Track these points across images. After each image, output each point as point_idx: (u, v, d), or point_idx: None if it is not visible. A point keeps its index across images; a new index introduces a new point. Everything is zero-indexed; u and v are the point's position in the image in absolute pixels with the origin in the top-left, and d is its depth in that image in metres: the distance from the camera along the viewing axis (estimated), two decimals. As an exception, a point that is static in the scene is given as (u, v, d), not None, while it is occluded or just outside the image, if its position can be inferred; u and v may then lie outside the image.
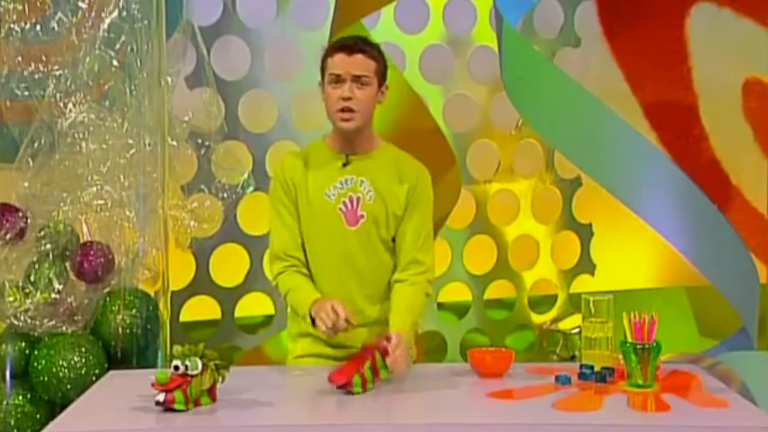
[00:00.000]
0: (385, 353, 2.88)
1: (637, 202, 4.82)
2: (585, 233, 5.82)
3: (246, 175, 4.82)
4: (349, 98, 3.04)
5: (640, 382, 2.86)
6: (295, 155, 3.27)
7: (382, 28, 5.48)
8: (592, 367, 2.98)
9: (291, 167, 3.19)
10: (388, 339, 2.91)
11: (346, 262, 3.16)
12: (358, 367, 2.84)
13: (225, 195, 4.75)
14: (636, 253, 5.55)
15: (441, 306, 5.66)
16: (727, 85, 5.51)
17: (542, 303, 5.87)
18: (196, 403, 2.68)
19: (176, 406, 2.64)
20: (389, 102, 5.25)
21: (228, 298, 5.41)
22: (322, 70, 3.13)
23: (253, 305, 5.52)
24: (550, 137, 5.12)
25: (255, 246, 5.40)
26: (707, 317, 5.30)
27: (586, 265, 5.85)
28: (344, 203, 3.13)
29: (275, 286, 3.25)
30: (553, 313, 5.85)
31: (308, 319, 3.05)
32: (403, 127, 5.13)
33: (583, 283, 5.82)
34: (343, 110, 3.05)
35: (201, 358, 2.69)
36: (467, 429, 2.67)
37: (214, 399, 2.73)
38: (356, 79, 3.05)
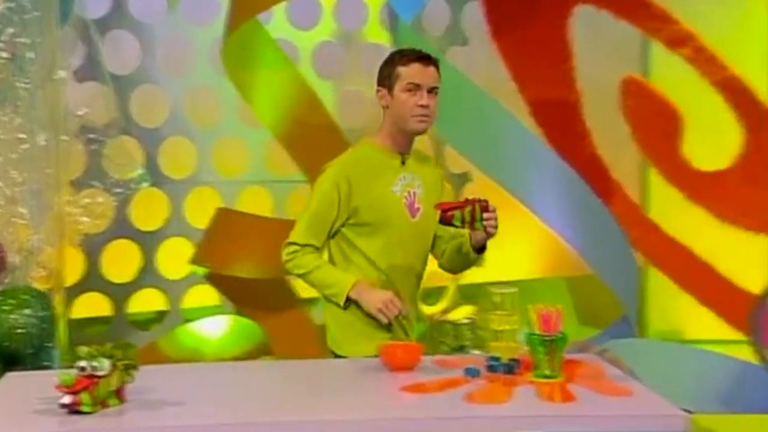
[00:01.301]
0: (484, 209, 3.11)
1: (527, 195, 4.85)
2: (473, 227, 5.80)
3: (139, 171, 4.67)
4: (426, 106, 3.22)
5: (547, 372, 2.83)
6: (348, 158, 3.37)
7: (275, 24, 5.39)
8: (499, 359, 2.94)
9: (346, 169, 3.29)
10: (486, 201, 3.13)
11: (407, 250, 3.35)
12: (462, 207, 3.09)
13: (118, 190, 4.60)
14: (522, 245, 5.57)
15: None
16: (607, 84, 5.59)
17: (432, 295, 5.84)
18: (104, 405, 2.53)
19: (83, 408, 2.48)
20: (284, 97, 5.21)
21: (120, 294, 5.25)
22: (390, 76, 3.26)
23: (146, 301, 5.37)
24: (444, 133, 5.10)
25: (148, 242, 5.24)
26: (588, 307, 5.36)
27: (474, 257, 5.83)
28: (406, 197, 3.32)
29: (287, 267, 3.33)
30: (442, 304, 5.83)
31: (342, 298, 3.22)
32: (298, 122, 5.06)
33: (471, 275, 5.80)
34: (420, 116, 3.22)
35: (110, 358, 2.54)
36: (383, 424, 2.58)
37: (122, 400, 2.59)
38: (431, 89, 3.23)
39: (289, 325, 5.15)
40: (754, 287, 5.26)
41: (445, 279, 5.81)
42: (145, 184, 4.74)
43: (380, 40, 5.69)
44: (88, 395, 2.49)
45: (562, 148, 5.23)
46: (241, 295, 5.19)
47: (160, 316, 5.40)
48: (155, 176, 5.09)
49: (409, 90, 3.23)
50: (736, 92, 5.55)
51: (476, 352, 5.00)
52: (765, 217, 5.44)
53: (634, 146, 5.67)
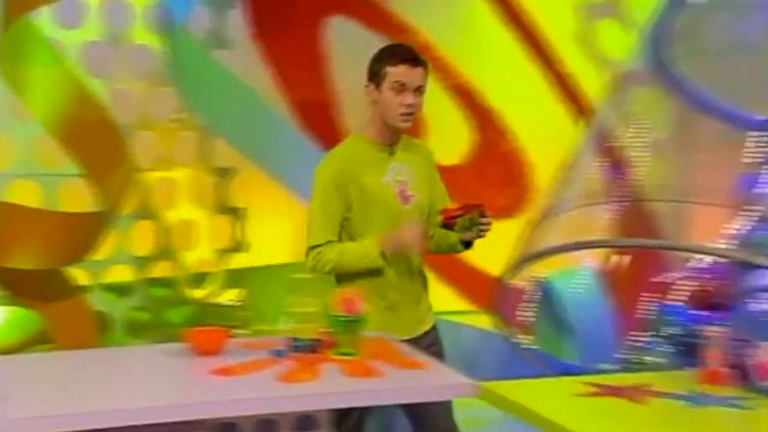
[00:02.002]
0: (482, 214, 3.08)
1: (297, 186, 4.82)
2: (240, 216, 5.69)
3: None
4: (412, 105, 3.12)
5: (348, 350, 2.82)
6: (338, 153, 3.26)
7: (44, 22, 5.01)
8: (302, 340, 2.88)
9: (337, 163, 3.20)
10: (483, 206, 3.11)
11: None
12: (464, 213, 3.05)
13: None
14: (289, 231, 5.52)
15: (106, 287, 5.29)
16: (359, 87, 5.61)
17: (201, 280, 5.68)
18: None
19: None
20: (57, 94, 4.86)
21: None
22: (378, 73, 3.17)
23: None
24: (218, 128, 4.97)
25: None
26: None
27: (239, 243, 5.72)
28: (397, 186, 3.21)
29: (316, 271, 3.19)
30: (210, 288, 5.68)
31: (379, 260, 3.10)
32: (71, 117, 4.75)
33: (237, 260, 5.70)
34: (405, 114, 3.12)
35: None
36: (199, 408, 2.47)
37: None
38: (417, 88, 3.13)
39: (67, 313, 4.83)
40: (494, 269, 5.52)
41: (212, 265, 5.71)
42: None
43: (147, 42, 5.43)
44: None
45: (323, 143, 5.21)
46: (17, 285, 4.81)
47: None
48: None
49: (395, 89, 3.12)
50: (466, 96, 5.77)
51: (243, 332, 4.96)
52: (493, 206, 5.69)
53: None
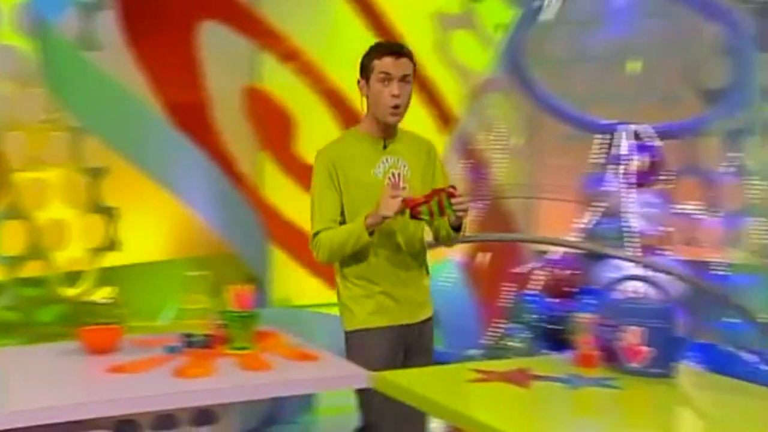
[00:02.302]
0: (451, 195, 2.92)
1: (173, 184, 4.71)
2: (112, 215, 5.50)
3: None
4: (398, 95, 3.05)
5: (242, 345, 2.78)
6: (332, 145, 3.19)
7: None
8: (194, 335, 2.82)
9: (330, 154, 3.14)
10: (454, 188, 2.96)
11: (396, 225, 3.09)
12: (428, 200, 2.90)
13: None
14: (162, 229, 5.38)
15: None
16: (231, 90, 5.55)
17: (74, 279, 5.45)
18: None
19: None
20: None
21: None
22: (366, 68, 3.11)
23: None
24: (91, 127, 4.79)
25: None
26: (226, 281, 5.32)
27: (112, 242, 5.53)
28: (389, 178, 3.12)
29: (320, 259, 3.10)
30: (83, 287, 5.46)
31: (365, 235, 2.98)
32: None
33: (110, 259, 5.51)
34: (392, 107, 3.06)
35: None
36: (98, 406, 2.37)
37: None
38: (402, 78, 3.06)
39: None
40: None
41: (84, 264, 5.50)
42: None
43: (16, 42, 5.18)
44: None
45: (198, 143, 5.11)
46: None
47: None
48: None
49: (382, 80, 3.06)
50: (335, 100, 5.78)
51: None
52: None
53: (256, 144, 5.71)
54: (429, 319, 3.23)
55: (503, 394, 2.38)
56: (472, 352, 4.45)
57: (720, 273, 4.57)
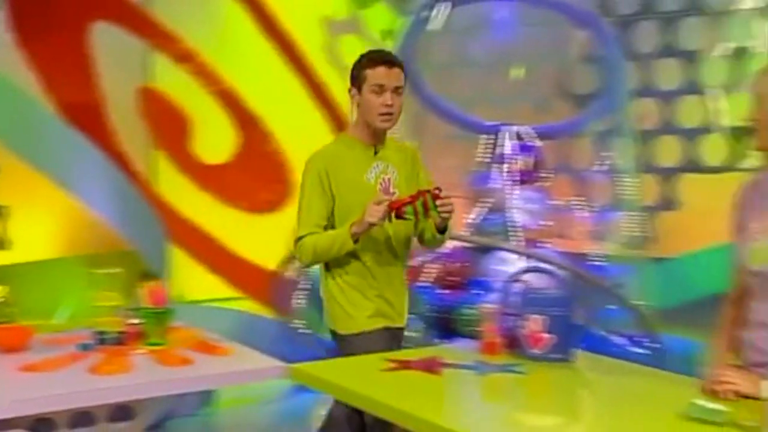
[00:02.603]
0: (435, 197, 2.85)
1: (72, 184, 4.52)
2: (2, 213, 5.22)
3: None
4: (391, 105, 2.98)
5: (157, 341, 2.69)
6: (323, 150, 3.10)
7: None
8: (107, 332, 2.71)
9: (322, 159, 3.05)
10: (439, 189, 2.89)
11: (387, 228, 3.01)
12: (413, 201, 2.83)
13: None
14: (55, 227, 5.15)
15: None
16: (125, 89, 5.37)
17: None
18: None
19: None
20: None
21: None
22: (359, 77, 3.01)
23: None
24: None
25: None
26: (129, 278, 5.16)
27: (2, 241, 5.26)
28: (381, 183, 3.05)
29: (301, 262, 3.13)
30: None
31: (350, 242, 2.92)
32: None
33: (1, 258, 5.24)
34: (384, 114, 2.98)
35: None
36: (13, 406, 2.25)
37: None
38: (395, 89, 2.99)
39: None
40: (260, 259, 5.50)
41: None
42: None
43: None
44: None
45: (95, 142, 4.92)
46: None
47: None
48: None
49: (375, 91, 2.97)
50: (229, 101, 5.68)
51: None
52: (258, 200, 5.69)
53: (149, 142, 5.55)
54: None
55: (417, 381, 2.38)
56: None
57: (596, 263, 4.75)
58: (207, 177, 5.54)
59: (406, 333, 4.44)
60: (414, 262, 5.04)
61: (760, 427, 1.86)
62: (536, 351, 2.55)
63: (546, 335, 2.54)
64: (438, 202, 2.87)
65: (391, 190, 3.04)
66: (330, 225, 3.01)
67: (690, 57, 5.74)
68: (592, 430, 2.05)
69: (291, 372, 2.54)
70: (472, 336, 4.42)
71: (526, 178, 4.80)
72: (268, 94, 5.75)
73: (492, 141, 4.89)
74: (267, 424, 4.82)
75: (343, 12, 6.76)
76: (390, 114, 2.99)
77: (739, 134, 5.43)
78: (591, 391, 2.42)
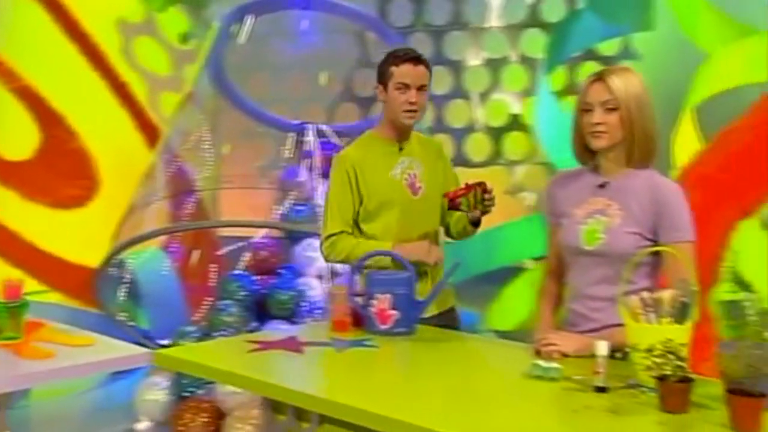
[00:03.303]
0: (485, 190, 2.73)
1: None
2: None
3: None
4: (414, 102, 2.83)
5: (12, 335, 2.47)
6: (351, 149, 2.96)
7: None
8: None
9: (350, 158, 2.90)
10: (486, 183, 2.75)
11: (414, 226, 2.89)
12: (467, 193, 2.72)
13: None
14: None
15: None
16: None
17: None
18: None
19: None
20: None
21: None
22: (385, 74, 2.84)
23: None
24: None
25: None
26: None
27: None
28: (406, 179, 2.91)
29: (329, 259, 2.90)
30: None
31: (387, 260, 2.75)
32: None
33: None
34: (409, 111, 2.83)
35: None
36: None
37: None
38: (420, 87, 2.83)
39: None
40: (67, 253, 5.13)
41: None
42: None
43: None
44: None
45: None
46: None
47: None
48: None
49: (400, 88, 2.81)
50: (30, 99, 5.26)
51: None
52: (62, 196, 5.31)
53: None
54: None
55: (282, 360, 2.36)
56: (189, 329, 4.32)
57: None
58: (9, 173, 5.10)
59: (224, 318, 4.38)
60: (225, 251, 4.97)
61: (590, 379, 2.04)
62: (384, 326, 2.61)
63: (392, 312, 2.61)
64: (486, 197, 2.75)
65: (417, 185, 2.92)
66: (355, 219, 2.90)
67: (456, 66, 6.07)
68: (450, 391, 2.13)
69: (156, 357, 2.42)
70: (286, 318, 4.45)
71: (328, 171, 4.86)
72: (71, 93, 5.38)
73: (298, 138, 4.91)
74: (85, 413, 4.54)
75: (139, 14, 6.47)
76: (414, 111, 2.85)
77: (497, 133, 5.83)
78: (441, 357, 2.46)
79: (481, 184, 2.75)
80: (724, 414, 1.80)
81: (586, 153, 2.43)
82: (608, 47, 5.85)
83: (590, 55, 5.77)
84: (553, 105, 4.83)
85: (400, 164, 2.92)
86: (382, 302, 2.61)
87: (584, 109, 2.36)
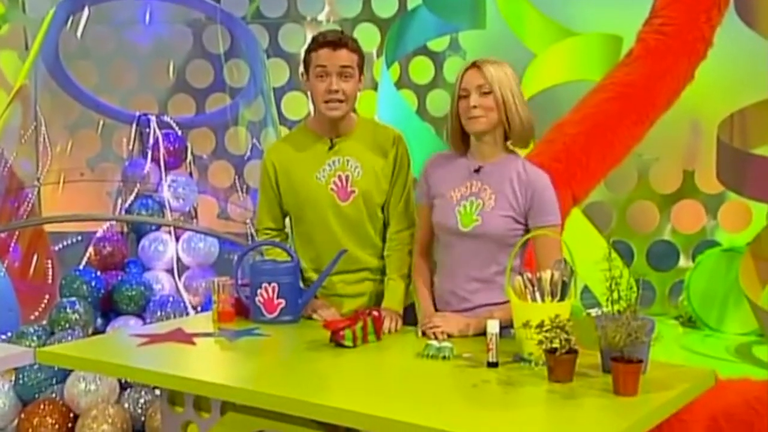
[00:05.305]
0: (377, 321, 2.40)
1: None
2: None
3: None
4: (336, 90, 2.54)
5: None
6: (281, 142, 2.80)
7: None
8: None
9: (276, 153, 2.70)
10: (379, 312, 2.47)
11: (341, 234, 2.65)
12: (352, 325, 2.34)
13: None
14: None
15: None
16: None
17: None
18: None
19: None
20: None
21: None
22: (306, 63, 2.59)
23: None
24: None
25: None
26: None
27: None
28: (335, 183, 2.63)
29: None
30: None
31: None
32: None
33: None
34: (329, 101, 2.54)
35: None
36: None
37: None
38: (341, 72, 2.53)
39: None
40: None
41: None
42: None
43: None
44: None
45: None
46: None
47: None
48: None
49: (319, 75, 2.55)
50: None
51: None
52: None
53: None
54: None
55: (176, 352, 2.33)
56: (31, 329, 4.07)
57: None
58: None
59: (69, 315, 4.18)
60: (61, 246, 4.71)
61: (481, 356, 2.19)
62: (270, 315, 2.63)
63: (279, 301, 2.63)
64: (381, 328, 2.44)
65: (349, 189, 2.64)
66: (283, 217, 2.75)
67: (291, 58, 6.11)
68: (351, 372, 2.19)
69: (40, 355, 2.31)
70: (135, 314, 4.31)
71: (173, 164, 4.74)
72: None
73: (141, 130, 4.75)
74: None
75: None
76: (338, 101, 2.56)
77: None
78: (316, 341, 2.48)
79: (372, 314, 2.41)
80: (604, 381, 2.01)
81: (461, 141, 2.53)
82: (437, 44, 6.13)
83: (421, 50, 6.04)
84: (397, 98, 4.98)
85: (328, 165, 2.64)
86: (268, 291, 2.63)
87: (461, 96, 2.46)
